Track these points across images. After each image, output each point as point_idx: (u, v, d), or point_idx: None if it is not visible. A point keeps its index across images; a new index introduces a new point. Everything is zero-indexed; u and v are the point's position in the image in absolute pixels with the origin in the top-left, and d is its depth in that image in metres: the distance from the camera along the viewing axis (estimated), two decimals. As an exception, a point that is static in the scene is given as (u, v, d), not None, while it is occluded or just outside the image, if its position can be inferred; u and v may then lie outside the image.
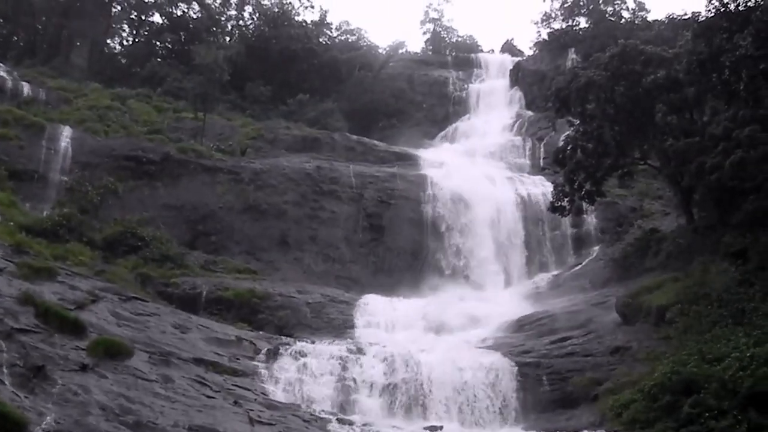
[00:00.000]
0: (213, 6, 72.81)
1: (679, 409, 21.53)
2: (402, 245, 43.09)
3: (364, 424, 24.40)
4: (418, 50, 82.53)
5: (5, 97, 48.68)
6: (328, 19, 75.85)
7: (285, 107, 61.82)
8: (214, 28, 71.30)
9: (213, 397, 23.12)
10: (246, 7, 73.46)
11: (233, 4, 73.64)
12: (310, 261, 41.44)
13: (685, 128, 34.51)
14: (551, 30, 74.79)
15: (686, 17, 33.50)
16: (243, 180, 44.07)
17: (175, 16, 71.20)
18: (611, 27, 68.91)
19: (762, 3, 28.26)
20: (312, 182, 45.03)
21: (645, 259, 35.99)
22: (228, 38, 72.01)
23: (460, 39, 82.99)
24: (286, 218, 43.00)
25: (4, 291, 24.31)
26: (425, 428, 24.72)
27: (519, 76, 70.39)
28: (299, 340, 29.42)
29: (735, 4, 29.02)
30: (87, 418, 19.51)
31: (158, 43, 70.98)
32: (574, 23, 74.33)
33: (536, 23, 76.35)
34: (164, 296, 33.20)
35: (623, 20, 72.03)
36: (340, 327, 33.23)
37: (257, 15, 72.57)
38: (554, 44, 72.64)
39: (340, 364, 27.29)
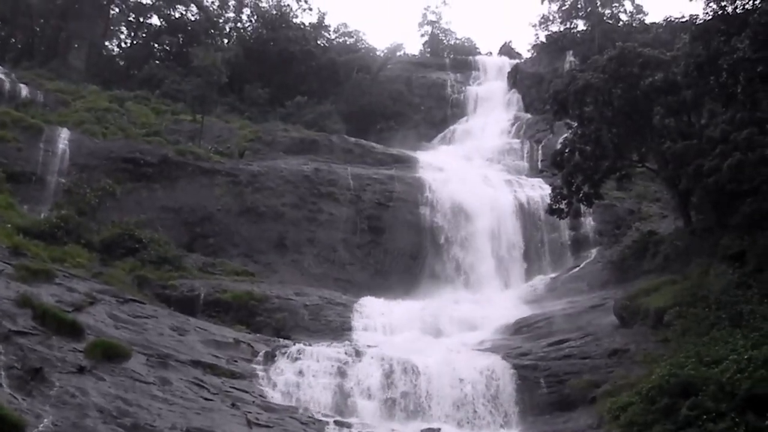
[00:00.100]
0: (211, 8, 72.88)
1: (677, 412, 21.53)
2: (400, 247, 43.10)
3: (362, 427, 24.42)
4: (416, 52, 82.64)
5: (3, 99, 48.68)
6: (326, 22, 76.05)
7: (283, 109, 61.82)
8: (212, 31, 71.33)
9: (211, 400, 23.13)
10: (244, 10, 73.62)
11: (231, 7, 73.80)
12: (308, 263, 41.44)
13: (682, 131, 34.56)
14: (549, 33, 74.91)
15: (684, 20, 33.43)
16: (241, 182, 44.08)
17: (173, 18, 71.24)
18: (609, 30, 68.99)
19: (759, 6, 28.28)
20: (310, 184, 45.04)
21: (643, 262, 36.02)
22: (226, 40, 72.04)
23: (458, 41, 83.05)
24: (284, 220, 43.00)
25: (1, 293, 24.33)
26: (423, 431, 24.73)
27: (517, 78, 70.49)
28: (297, 343, 29.40)
29: (732, 7, 29.04)
30: (84, 420, 19.52)
31: (156, 45, 70.98)
32: (571, 26, 74.46)
33: (534, 26, 76.57)
34: (162, 298, 33.16)
35: (621, 23, 72.13)
36: (338, 329, 33.20)
37: (255, 17, 72.61)
38: (552, 47, 72.72)
39: (337, 366, 27.31)
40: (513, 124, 62.16)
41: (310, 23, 73.58)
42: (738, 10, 28.88)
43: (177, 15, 71.57)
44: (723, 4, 29.16)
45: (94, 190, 40.22)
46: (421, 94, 71.55)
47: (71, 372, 21.71)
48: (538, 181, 47.74)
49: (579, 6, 73.96)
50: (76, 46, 68.03)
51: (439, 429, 24.84)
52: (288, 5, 72.30)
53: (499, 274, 42.34)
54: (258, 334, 31.05)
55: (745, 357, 22.12)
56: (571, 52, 69.02)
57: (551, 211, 39.00)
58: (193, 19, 71.66)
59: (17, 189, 39.25)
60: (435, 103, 70.40)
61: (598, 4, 73.10)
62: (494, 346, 30.43)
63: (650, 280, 32.54)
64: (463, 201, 45.14)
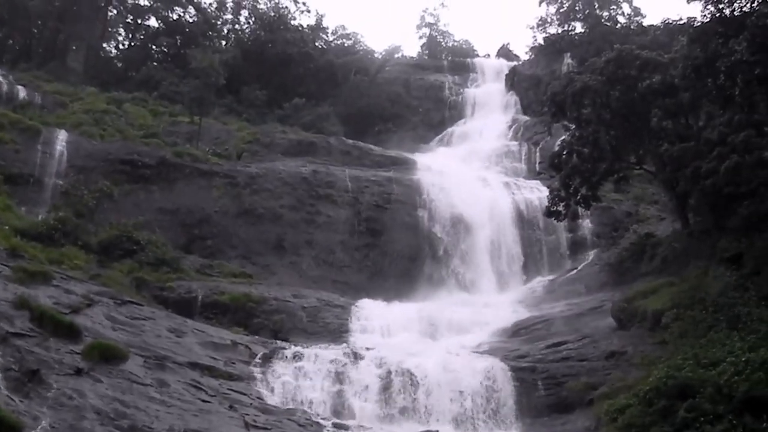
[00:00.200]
0: (209, 10, 72.89)
1: (674, 414, 21.53)
2: (398, 249, 43.08)
3: (360, 429, 24.41)
4: (414, 55, 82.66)
5: (1, 100, 48.64)
6: (324, 24, 76.19)
7: (281, 111, 61.84)
8: (210, 32, 71.34)
9: (208, 402, 23.11)
10: (242, 11, 73.63)
11: (229, 8, 73.77)
12: (306, 265, 41.42)
13: (680, 133, 34.58)
14: (547, 35, 74.93)
15: (682, 22, 33.60)
16: (239, 184, 44.05)
17: (171, 20, 71.21)
18: (607, 32, 68.99)
19: (757, 9, 28.30)
20: (308, 186, 45.03)
21: (640, 264, 36.04)
22: (224, 42, 72.09)
23: (456, 43, 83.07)
24: (282, 222, 42.99)
25: (-1, 295, 24.32)
26: (420, 433, 24.75)
27: (515, 80, 70.51)
28: (295, 345, 29.39)
29: (730, 10, 29.05)
30: (82, 422, 19.51)
31: (154, 47, 70.99)
32: (569, 28, 74.46)
33: (532, 28, 76.55)
34: (159, 300, 33.14)
35: (619, 25, 72.14)
36: (336, 331, 33.21)
37: (253, 19, 72.61)
38: (550, 49, 72.76)
39: (335, 368, 27.28)
40: (511, 127, 62.18)
41: (308, 25, 73.69)
42: (736, 13, 28.89)
43: (175, 17, 71.54)
44: (721, 6, 29.16)
45: (91, 191, 40.17)
46: (419, 96, 71.56)
47: (68, 374, 21.70)
48: (535, 184, 47.74)
49: (577, 8, 73.99)
50: (74, 48, 68.01)
51: (437, 430, 24.82)
52: (286, 7, 72.45)
53: (496, 276, 42.35)
54: (256, 336, 31.04)
55: (743, 359, 22.14)
56: (568, 54, 69.04)
57: (549, 213, 39.02)
58: (191, 20, 71.64)
59: (15, 191, 39.22)
60: (433, 105, 70.40)
61: (596, 7, 73.16)
62: (492, 349, 30.43)
63: (648, 282, 32.57)
64: (460, 203, 45.14)
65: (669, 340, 26.50)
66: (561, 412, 25.84)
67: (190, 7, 71.58)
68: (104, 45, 71.00)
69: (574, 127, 38.64)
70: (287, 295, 35.73)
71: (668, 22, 59.25)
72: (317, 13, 79.08)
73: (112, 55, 72.60)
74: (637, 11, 73.02)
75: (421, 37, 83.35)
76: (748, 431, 20.42)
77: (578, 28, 73.95)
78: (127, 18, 72.16)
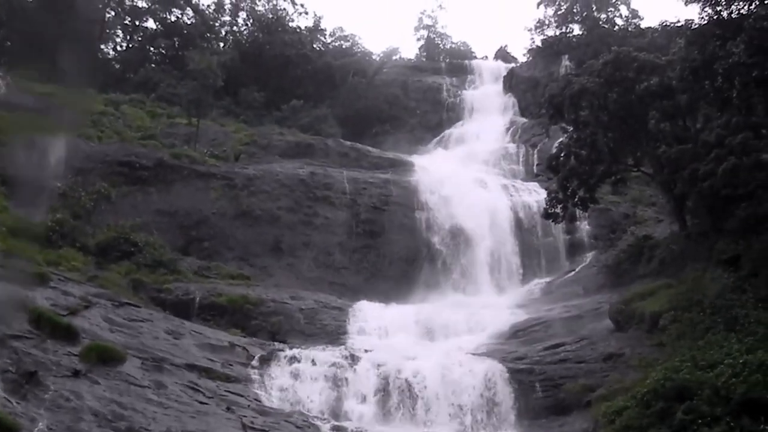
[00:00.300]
0: (207, 12, 72.87)
1: (672, 416, 21.54)
2: (395, 251, 43.06)
3: (358, 431, 24.40)
4: (412, 56, 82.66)
5: (-1, 101, 48.55)
6: (322, 25, 76.04)
7: (279, 113, 61.84)
8: (208, 34, 71.31)
9: (206, 403, 23.10)
10: (240, 13, 73.62)
11: (227, 10, 73.75)
12: (304, 267, 41.38)
13: (678, 135, 34.59)
14: (545, 37, 74.99)
15: (679, 24, 33.52)
16: (236, 186, 44.00)
17: (168, 21, 71.19)
18: (604, 34, 69.03)
19: (755, 11, 28.34)
20: (305, 188, 45.00)
21: (638, 266, 36.04)
22: (222, 44, 72.08)
23: (454, 45, 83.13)
24: (280, 224, 42.95)
25: (-4, 296, 24.26)
26: (418, 434, 24.76)
27: (512, 82, 70.53)
28: (292, 347, 29.38)
29: (728, 12, 29.09)
30: (79, 424, 19.51)
31: (152, 48, 70.96)
32: (567, 30, 74.52)
33: (530, 30, 76.66)
34: (157, 302, 33.10)
35: (616, 27, 72.17)
36: (333, 333, 33.19)
37: (251, 21, 72.62)
38: (548, 51, 72.80)
39: (333, 370, 27.28)
40: (508, 128, 62.17)
41: (306, 27, 73.65)
42: (733, 15, 28.93)
43: (173, 18, 71.52)
44: (718, 8, 29.21)
45: (89, 193, 40.10)
46: (416, 98, 71.57)
47: (66, 376, 21.68)
48: (533, 186, 47.74)
49: (575, 10, 74.05)
50: (71, 49, 67.79)
51: (435, 433, 24.88)
52: (284, 9, 72.45)
53: (494, 278, 42.33)
54: (253, 338, 31.03)
55: (740, 361, 22.15)
56: (566, 56, 69.08)
57: (547, 215, 39.04)
58: (188, 22, 71.62)
59: (11, 192, 39.12)
60: (431, 107, 70.40)
61: (594, 9, 73.20)
62: (490, 351, 30.42)
63: (645, 284, 32.56)
64: (458, 205, 45.13)
65: (666, 342, 26.50)
66: (558, 414, 25.85)
67: (188, 8, 71.58)
68: (102, 46, 70.95)
69: (571, 129, 38.63)
70: (285, 297, 35.71)
71: (666, 25, 58.90)
72: (315, 15, 79.06)
73: (109, 56, 72.50)
74: (634, 13, 73.11)
75: (419, 39, 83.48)
76: (745, 433, 20.47)
77: (576, 30, 74.04)
78: (124, 20, 72.10)
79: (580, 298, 36.12)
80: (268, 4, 72.47)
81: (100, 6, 68.05)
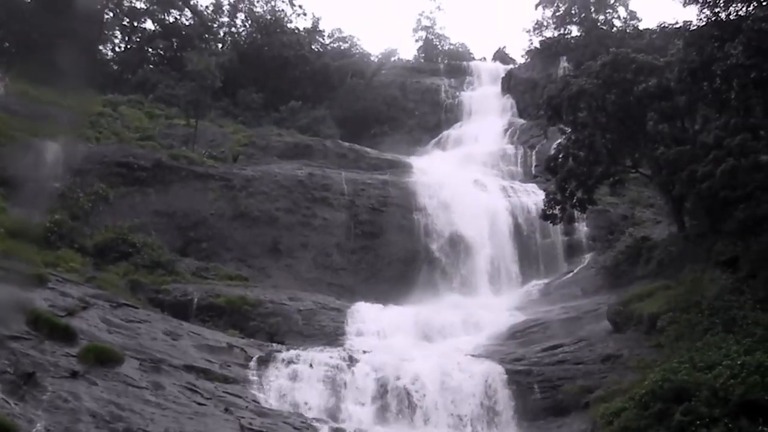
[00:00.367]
0: (205, 13, 72.88)
1: (670, 417, 21.53)
2: (394, 252, 43.05)
3: (356, 432, 24.45)
4: (411, 58, 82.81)
5: (-3, 102, 48.48)
6: (321, 27, 76.15)
7: (277, 114, 61.87)
8: (207, 35, 71.33)
9: (204, 405, 23.09)
10: (238, 14, 73.63)
11: (225, 11, 73.76)
12: (302, 268, 41.37)
13: (676, 137, 34.59)
14: (543, 38, 75.03)
15: (678, 26, 33.54)
16: (235, 187, 43.98)
17: (167, 22, 71.21)
18: (603, 36, 69.10)
19: (753, 12, 28.35)
20: (304, 189, 44.99)
21: (636, 267, 36.05)
22: (220, 45, 72.09)
23: (452, 47, 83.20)
24: (278, 225, 42.93)
25: (-6, 297, 24.24)
26: (416, 436, 24.75)
27: (511, 84, 70.57)
28: (290, 348, 29.38)
29: (726, 14, 29.07)
30: (77, 425, 19.49)
31: (150, 49, 70.92)
32: (565, 32, 74.55)
33: (528, 31, 76.71)
34: (155, 303, 33.08)
35: (615, 29, 72.20)
36: (332, 334, 33.17)
37: (249, 22, 72.64)
38: (546, 52, 72.79)
39: (331, 371, 27.27)
40: (507, 130, 62.21)
41: (304, 28, 73.79)
42: (731, 17, 28.91)
43: (171, 19, 71.55)
44: (716, 10, 29.19)
45: (87, 194, 40.06)
46: (415, 100, 71.65)
47: (64, 377, 21.67)
48: (531, 187, 47.76)
49: (573, 12, 74.08)
50: (69, 49, 67.77)
51: (433, 434, 24.87)
52: (282, 10, 72.49)
53: (492, 279, 42.32)
54: (251, 339, 31.03)
55: (739, 362, 22.13)
56: (564, 57, 69.09)
57: (545, 216, 39.04)
58: (187, 23, 71.65)
59: (9, 193, 39.09)
60: (429, 109, 70.47)
61: (592, 10, 73.24)
62: (488, 352, 30.43)
63: (644, 285, 32.57)
64: (456, 206, 45.12)
65: (665, 344, 26.49)
66: (557, 415, 25.85)
67: (186, 9, 71.60)
68: (100, 47, 70.92)
69: (570, 130, 38.64)
70: (283, 298, 35.70)
71: (664, 26, 59.15)
72: (313, 16, 79.48)
73: (108, 57, 72.49)
74: (633, 15, 73.13)
75: (417, 41, 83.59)
76: (743, 435, 20.46)
77: (574, 31, 74.07)
78: (123, 21, 72.10)
79: (578, 299, 36.12)
80: (266, 5, 72.58)
81: (99, 7, 68.11)
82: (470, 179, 48.84)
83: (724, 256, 29.20)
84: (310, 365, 27.51)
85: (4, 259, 28.97)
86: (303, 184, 45.26)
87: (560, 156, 37.94)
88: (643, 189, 44.73)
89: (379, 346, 31.31)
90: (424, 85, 73.38)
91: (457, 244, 43.42)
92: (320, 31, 75.97)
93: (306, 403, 25.87)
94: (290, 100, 62.91)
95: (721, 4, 28.84)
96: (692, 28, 31.43)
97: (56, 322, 24.18)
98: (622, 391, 24.25)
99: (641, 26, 71.06)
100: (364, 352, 29.29)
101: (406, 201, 45.46)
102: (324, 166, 48.54)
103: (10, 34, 66.90)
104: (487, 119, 65.66)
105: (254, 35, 70.88)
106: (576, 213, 40.13)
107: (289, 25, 71.82)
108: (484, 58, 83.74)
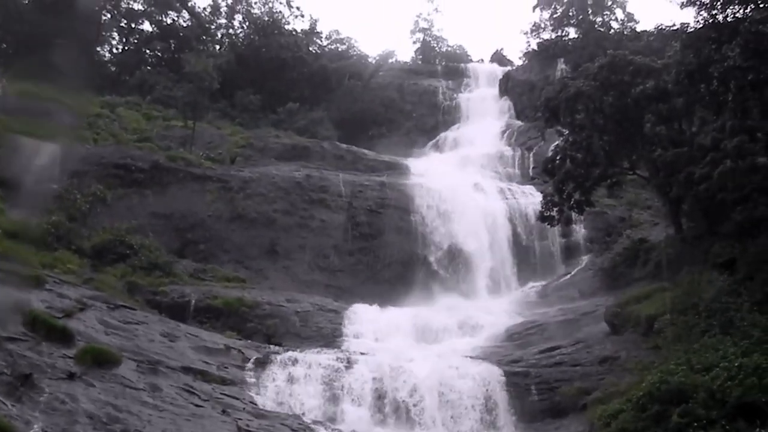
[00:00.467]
0: (203, 14, 72.88)
1: (667, 419, 21.54)
2: (391, 254, 43.02)
3: (353, 434, 24.44)
4: (408, 60, 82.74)
5: (-5, 103, 48.47)
6: (318, 28, 76.12)
7: (274, 116, 61.87)
8: (204, 37, 71.34)
9: (201, 406, 23.08)
10: (236, 16, 73.66)
11: (223, 13, 73.82)
12: (300, 269, 41.35)
13: (673, 138, 34.61)
14: (541, 40, 75.06)
15: (675, 28, 33.48)
16: (232, 188, 43.99)
17: (164, 24, 71.19)
18: (600, 37, 69.11)
19: (750, 14, 28.38)
20: (301, 191, 44.98)
21: (634, 269, 36.09)
22: (218, 47, 72.08)
23: (449, 49, 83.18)
24: (276, 227, 42.92)
25: (-9, 299, 24.19)
26: (413, 438, 24.74)
27: (508, 85, 70.60)
28: (288, 349, 29.37)
29: (723, 16, 29.10)
30: (74, 426, 19.46)
31: (148, 51, 70.93)
32: (563, 34, 74.58)
33: (526, 33, 76.66)
34: (153, 304, 33.07)
35: (612, 31, 72.25)
36: (329, 336, 33.18)
37: (247, 23, 72.65)
38: (543, 54, 72.84)
39: (328, 373, 27.25)
40: (504, 132, 62.21)
41: (302, 30, 73.73)
42: (728, 19, 28.95)
43: (169, 21, 71.53)
44: (714, 12, 29.23)
45: (84, 195, 40.03)
46: (412, 101, 71.70)
47: (61, 378, 21.64)
48: (529, 189, 47.76)
49: (570, 14, 74.13)
50: (67, 50, 67.74)
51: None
52: (280, 12, 72.47)
53: (490, 280, 42.31)
54: (249, 341, 31.00)
55: (736, 364, 22.14)
56: (562, 59, 69.14)
57: (542, 218, 39.05)
58: (184, 25, 71.65)
59: (7, 194, 39.06)
60: (426, 110, 70.50)
61: (590, 12, 73.30)
62: (486, 353, 30.44)
63: (641, 287, 32.60)
64: (454, 208, 45.12)
65: (662, 345, 26.50)
66: (554, 417, 25.86)
67: (184, 11, 71.61)
68: (98, 49, 70.88)
69: (567, 132, 38.67)
70: (280, 300, 35.70)
71: (661, 28, 59.12)
72: (311, 18, 79.10)
73: (105, 58, 72.44)
74: (630, 17, 73.23)
75: (414, 42, 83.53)
76: (741, 436, 20.47)
77: (572, 33, 74.11)
78: (120, 22, 72.02)
79: (575, 301, 36.17)
80: (264, 7, 72.61)
81: (97, 8, 68.07)
82: (468, 181, 48.76)
83: (722, 258, 29.21)
84: (308, 367, 27.49)
85: (1, 261, 28.97)
86: (300, 186, 45.26)
87: (558, 158, 37.97)
88: (641, 191, 44.76)
89: (377, 348, 31.32)
90: (422, 87, 73.43)
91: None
92: (318, 32, 76.04)
93: (303, 405, 25.85)
94: (288, 102, 62.93)
95: (719, 7, 28.87)
96: (689, 30, 31.46)
97: (53, 323, 24.15)
98: (619, 393, 24.26)
99: (638, 28, 71.21)
100: (362, 353, 29.28)
101: (403, 202, 45.43)
102: (321, 168, 48.56)
103: (8, 34, 66.90)
104: (484, 121, 65.68)
105: (252, 37, 70.88)
106: (573, 215, 40.11)
107: (286, 27, 71.87)
108: (482, 60, 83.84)
